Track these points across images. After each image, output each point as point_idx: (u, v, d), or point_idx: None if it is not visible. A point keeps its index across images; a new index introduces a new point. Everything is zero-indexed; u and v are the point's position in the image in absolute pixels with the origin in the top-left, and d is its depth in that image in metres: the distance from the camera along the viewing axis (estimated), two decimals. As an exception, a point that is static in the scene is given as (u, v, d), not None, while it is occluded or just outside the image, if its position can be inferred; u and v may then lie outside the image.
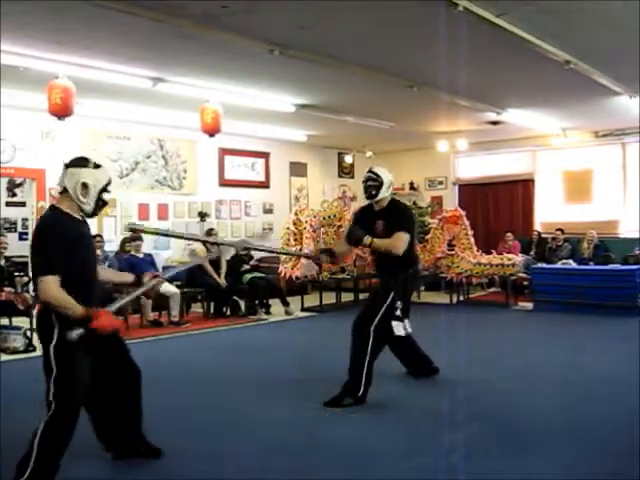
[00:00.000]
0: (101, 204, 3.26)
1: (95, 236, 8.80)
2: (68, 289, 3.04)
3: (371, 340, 4.67)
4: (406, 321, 4.87)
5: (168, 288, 8.59)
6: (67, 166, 3.24)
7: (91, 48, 6.40)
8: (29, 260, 3.21)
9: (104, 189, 3.25)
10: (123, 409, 3.53)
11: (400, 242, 4.74)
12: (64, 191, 3.21)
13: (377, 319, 4.71)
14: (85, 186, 3.17)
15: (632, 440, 3.77)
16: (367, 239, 4.78)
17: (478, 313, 9.47)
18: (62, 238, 3.07)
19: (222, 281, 9.24)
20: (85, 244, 3.26)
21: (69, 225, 3.16)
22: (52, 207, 3.28)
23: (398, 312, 4.76)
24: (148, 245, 9.89)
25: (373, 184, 4.90)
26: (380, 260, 5.09)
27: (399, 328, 4.77)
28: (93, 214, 3.28)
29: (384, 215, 4.96)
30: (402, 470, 3.47)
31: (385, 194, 4.93)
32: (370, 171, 4.98)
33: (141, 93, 8.19)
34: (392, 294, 4.77)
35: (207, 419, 4.44)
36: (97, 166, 3.28)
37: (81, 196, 3.18)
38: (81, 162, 3.26)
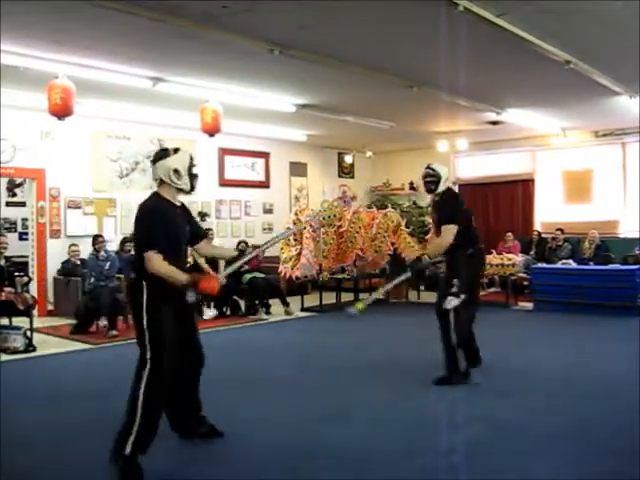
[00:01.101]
0: (194, 179, 3.71)
1: (97, 236, 8.83)
2: (167, 262, 3.47)
3: (452, 319, 5.08)
4: (462, 296, 5.14)
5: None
6: (154, 162, 3.68)
7: (91, 48, 6.41)
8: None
9: (191, 165, 3.68)
10: (183, 393, 3.85)
11: (445, 236, 5.11)
12: (161, 182, 3.66)
13: (451, 308, 5.09)
14: (176, 171, 3.61)
15: (632, 440, 3.77)
16: (425, 259, 5.14)
17: (478, 313, 9.45)
18: (161, 220, 3.53)
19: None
20: (178, 224, 3.65)
21: (166, 209, 3.61)
22: (155, 193, 3.69)
23: (455, 289, 5.11)
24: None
25: (432, 179, 5.30)
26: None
27: (451, 302, 5.11)
28: (192, 189, 3.72)
29: (435, 209, 5.46)
30: (402, 470, 3.46)
31: (443, 187, 5.31)
32: (428, 167, 5.35)
33: (141, 93, 8.19)
34: (453, 275, 5.15)
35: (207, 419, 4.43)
36: (176, 150, 3.70)
37: (176, 179, 3.62)
38: (163, 153, 3.69)
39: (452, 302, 5.09)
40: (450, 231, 5.06)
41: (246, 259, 4.20)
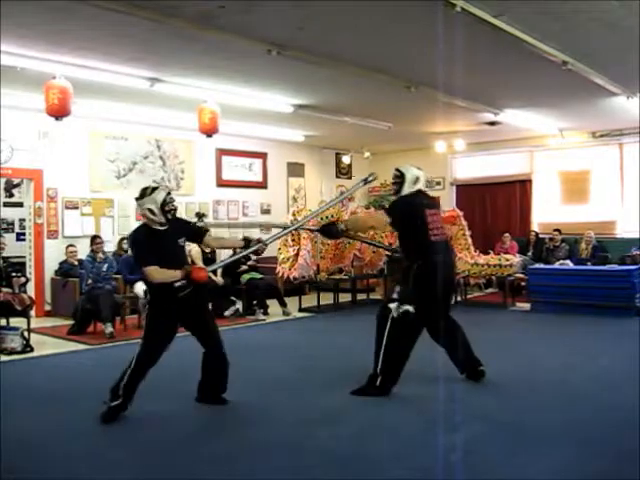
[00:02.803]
0: (167, 212, 4.45)
1: (95, 237, 8.83)
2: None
3: (386, 333, 4.88)
4: (403, 307, 4.88)
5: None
6: (137, 199, 4.51)
7: (88, 48, 6.40)
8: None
9: (164, 204, 4.43)
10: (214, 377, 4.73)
11: (368, 217, 5.09)
12: (144, 216, 4.51)
13: (390, 315, 4.87)
14: (151, 211, 4.42)
15: (632, 440, 3.77)
16: (341, 225, 5.34)
17: (475, 314, 9.45)
18: (143, 240, 4.46)
19: (219, 279, 9.23)
20: (162, 246, 4.43)
21: (150, 233, 4.47)
22: (143, 224, 4.57)
23: (395, 295, 4.95)
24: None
25: (396, 180, 5.20)
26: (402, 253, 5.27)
27: (393, 310, 4.88)
28: (167, 222, 4.48)
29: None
30: (401, 470, 3.46)
31: (407, 191, 5.11)
32: (395, 168, 5.25)
33: (138, 93, 8.18)
34: (397, 287, 5.00)
35: (206, 419, 4.44)
36: (153, 190, 4.48)
37: (152, 216, 4.44)
38: (142, 193, 4.49)
39: (394, 310, 4.84)
40: (375, 215, 5.04)
41: (252, 249, 4.82)
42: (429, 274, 4.84)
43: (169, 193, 4.51)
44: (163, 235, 4.50)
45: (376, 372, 4.91)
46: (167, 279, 4.32)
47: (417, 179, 5.12)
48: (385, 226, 5.08)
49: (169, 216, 4.48)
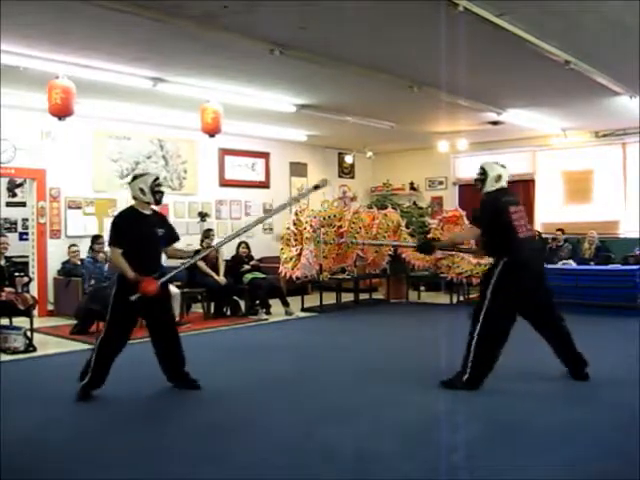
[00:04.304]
0: (157, 194, 4.98)
1: (97, 237, 8.86)
2: (131, 258, 4.74)
3: (478, 328, 4.91)
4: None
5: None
6: (129, 183, 5.11)
7: (91, 48, 6.42)
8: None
9: (153, 185, 4.96)
10: (168, 352, 5.05)
11: (463, 233, 5.02)
12: (134, 197, 5.03)
13: (484, 308, 4.92)
14: (141, 190, 4.96)
15: (633, 440, 3.77)
16: (436, 243, 5.38)
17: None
18: (122, 224, 4.93)
19: (221, 278, 9.23)
20: (141, 229, 4.90)
21: (131, 216, 4.99)
22: (130, 206, 5.09)
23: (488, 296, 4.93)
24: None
25: (478, 178, 5.24)
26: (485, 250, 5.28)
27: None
28: (157, 202, 5.03)
29: None
30: (402, 471, 3.46)
31: (490, 188, 5.17)
32: (480, 166, 5.30)
33: (141, 93, 8.19)
34: (491, 284, 4.91)
35: (207, 419, 4.44)
36: (143, 175, 5.10)
37: (141, 195, 4.97)
38: (134, 177, 5.13)
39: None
40: (467, 229, 5.05)
41: (199, 256, 5.30)
42: (516, 271, 4.91)
43: (157, 178, 5.07)
44: (146, 219, 4.98)
45: (464, 368, 4.94)
46: (121, 269, 4.76)
47: (499, 177, 5.20)
48: (478, 236, 5.11)
49: (157, 197, 4.98)
